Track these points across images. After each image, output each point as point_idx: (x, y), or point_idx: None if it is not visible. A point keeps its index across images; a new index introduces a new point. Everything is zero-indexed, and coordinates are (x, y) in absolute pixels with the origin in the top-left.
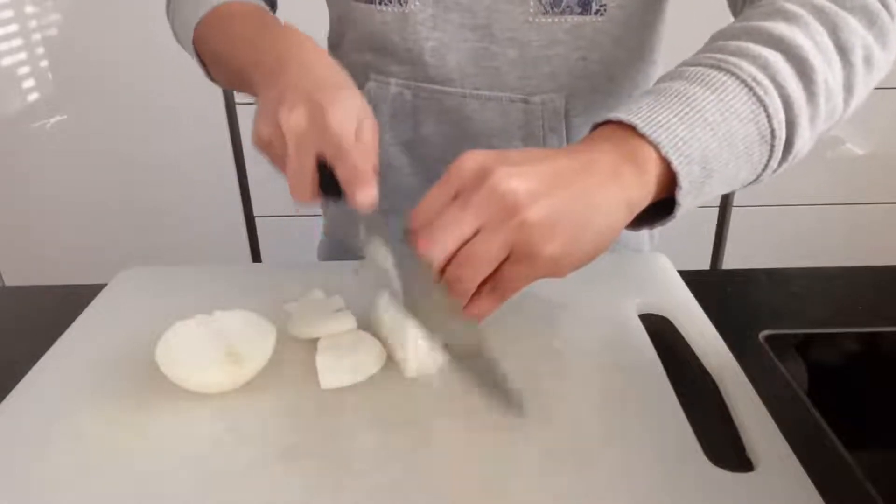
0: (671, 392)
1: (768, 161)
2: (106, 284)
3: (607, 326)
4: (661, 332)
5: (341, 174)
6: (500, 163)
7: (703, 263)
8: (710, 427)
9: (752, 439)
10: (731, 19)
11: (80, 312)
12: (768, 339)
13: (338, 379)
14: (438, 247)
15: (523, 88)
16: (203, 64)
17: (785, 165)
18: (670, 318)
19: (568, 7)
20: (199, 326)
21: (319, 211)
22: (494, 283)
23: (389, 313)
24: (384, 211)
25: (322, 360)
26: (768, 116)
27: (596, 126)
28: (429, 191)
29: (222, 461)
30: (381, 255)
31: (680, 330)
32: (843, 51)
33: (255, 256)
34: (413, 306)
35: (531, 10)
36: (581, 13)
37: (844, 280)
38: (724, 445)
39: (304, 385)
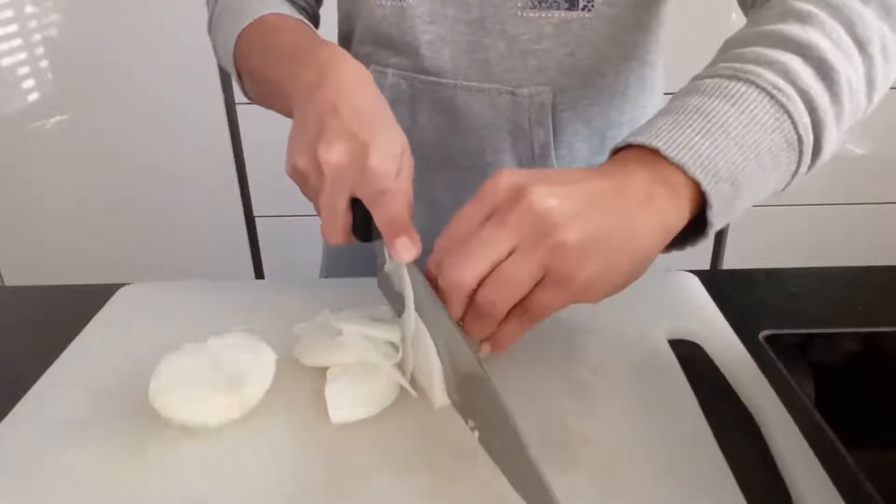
0: (707, 429)
1: (798, 167)
2: (106, 284)
3: (636, 354)
4: (693, 358)
5: (380, 220)
6: (537, 182)
7: (703, 263)
8: (749, 468)
9: (796, 485)
10: (732, 22)
11: (80, 312)
12: (768, 339)
13: (349, 412)
14: (471, 267)
15: (511, 81)
16: (240, 78)
17: (814, 169)
18: (702, 345)
19: (555, 2)
20: (192, 356)
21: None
22: (525, 306)
23: (414, 341)
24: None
25: (332, 392)
26: (793, 123)
27: (616, 150)
28: (459, 210)
29: None
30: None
31: (713, 358)
32: (861, 45)
33: (256, 256)
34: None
35: (519, 5)
36: (568, 8)
37: (844, 280)
38: (766, 491)
39: (313, 418)
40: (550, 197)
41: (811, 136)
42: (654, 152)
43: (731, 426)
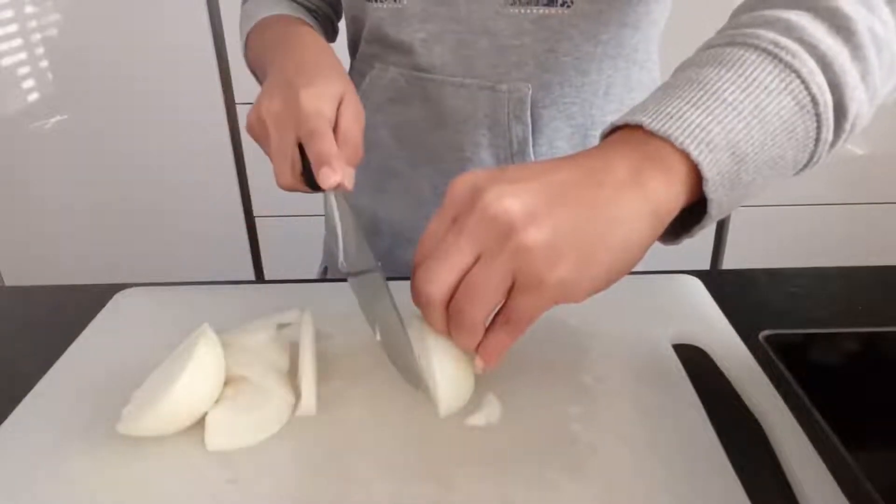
0: (713, 434)
1: (818, 133)
2: (106, 285)
3: (640, 359)
4: (697, 363)
5: (310, 156)
6: (494, 182)
7: (704, 263)
8: (756, 473)
9: (803, 490)
10: None
11: (80, 312)
12: (768, 339)
13: (226, 441)
14: (438, 281)
15: (492, 76)
16: (257, 77)
17: (844, 136)
18: (707, 350)
19: None
20: (155, 378)
21: (320, 211)
22: (505, 315)
23: (418, 345)
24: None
25: (211, 419)
26: (803, 82)
27: (605, 136)
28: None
29: None
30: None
31: (718, 363)
32: None
33: (256, 256)
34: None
35: (500, 1)
36: (547, 5)
37: (844, 280)
38: (772, 495)
39: (312, 423)
40: (506, 197)
41: (828, 97)
42: (641, 130)
43: (737, 430)
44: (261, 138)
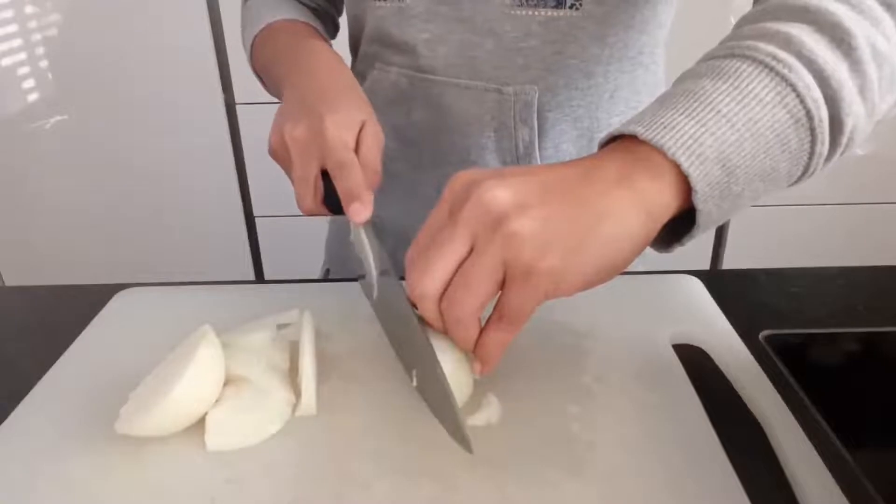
0: (712, 434)
1: (812, 147)
2: (106, 285)
3: (640, 359)
4: (697, 363)
5: (340, 190)
6: (489, 176)
7: (704, 263)
8: (756, 474)
9: (803, 490)
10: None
11: (80, 312)
12: (768, 339)
13: (226, 441)
14: (432, 275)
15: (498, 78)
16: (261, 79)
17: (840, 150)
18: (707, 350)
19: (543, 0)
20: (153, 378)
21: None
22: (499, 312)
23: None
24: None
25: (212, 419)
26: (799, 95)
27: (603, 146)
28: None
29: None
30: (368, 264)
31: (718, 363)
32: (890, 5)
33: (256, 256)
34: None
35: (507, 2)
36: (555, 7)
37: (844, 280)
38: (773, 495)
39: (310, 423)
40: (500, 188)
41: (824, 111)
42: (636, 140)
43: (737, 430)
44: (284, 162)
